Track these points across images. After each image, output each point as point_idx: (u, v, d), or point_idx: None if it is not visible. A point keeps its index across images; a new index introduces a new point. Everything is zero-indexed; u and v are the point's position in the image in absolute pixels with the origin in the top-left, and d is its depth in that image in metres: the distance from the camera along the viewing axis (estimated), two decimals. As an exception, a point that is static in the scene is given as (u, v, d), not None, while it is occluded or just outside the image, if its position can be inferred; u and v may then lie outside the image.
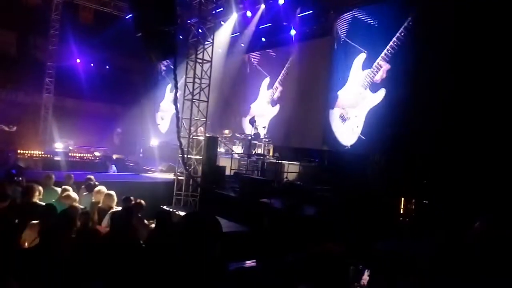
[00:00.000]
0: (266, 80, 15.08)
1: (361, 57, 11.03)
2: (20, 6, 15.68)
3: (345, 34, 11.58)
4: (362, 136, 10.97)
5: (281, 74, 14.35)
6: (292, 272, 2.36)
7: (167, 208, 8.36)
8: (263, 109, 15.02)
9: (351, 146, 11.25)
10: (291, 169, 11.13)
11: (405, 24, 9.72)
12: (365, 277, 2.04)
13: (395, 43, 10.02)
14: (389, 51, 10.19)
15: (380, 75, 10.51)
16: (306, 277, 2.18)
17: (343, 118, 11.56)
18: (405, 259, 2.16)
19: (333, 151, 11.60)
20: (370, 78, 10.76)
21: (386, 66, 10.33)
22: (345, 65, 11.51)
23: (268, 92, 14.96)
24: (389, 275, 2.11)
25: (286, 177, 10.74)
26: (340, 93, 11.73)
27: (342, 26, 11.70)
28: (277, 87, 14.61)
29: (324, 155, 11.91)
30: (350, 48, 11.30)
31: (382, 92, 10.43)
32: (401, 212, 8.27)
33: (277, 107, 14.55)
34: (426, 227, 6.74)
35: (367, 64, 10.88)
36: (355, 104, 11.19)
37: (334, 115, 11.80)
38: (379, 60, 10.47)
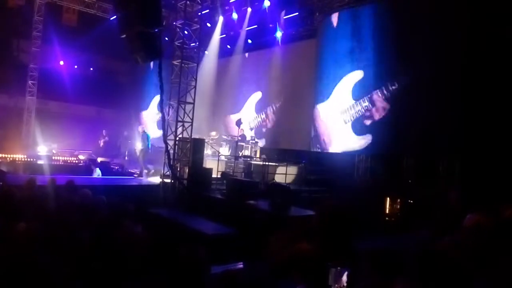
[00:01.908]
0: (257, 95, 14.89)
1: (355, 76, 10.58)
2: (2, 8, 15.38)
3: (331, 37, 11.66)
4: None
5: (267, 78, 14.37)
6: (274, 273, 2.37)
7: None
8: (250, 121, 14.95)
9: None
10: (279, 170, 11.16)
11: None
12: (344, 278, 2.05)
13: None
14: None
15: (371, 120, 10.05)
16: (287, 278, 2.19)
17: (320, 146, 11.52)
18: (389, 257, 2.17)
19: (320, 152, 11.68)
20: (359, 115, 10.33)
21: (384, 105, 9.72)
22: (331, 75, 11.28)
23: (257, 116, 14.83)
24: (371, 274, 2.12)
25: (273, 179, 10.76)
26: (320, 108, 11.56)
27: (327, 28, 11.79)
28: (268, 114, 14.41)
29: (312, 156, 11.97)
30: (337, 55, 11.25)
31: (367, 139, 10.12)
32: (387, 211, 8.38)
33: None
34: (411, 226, 6.82)
35: (359, 90, 10.40)
36: (332, 137, 11.06)
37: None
38: (377, 96, 9.86)
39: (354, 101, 10.47)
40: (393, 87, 9.56)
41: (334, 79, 11.23)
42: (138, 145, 12.33)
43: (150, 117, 18.99)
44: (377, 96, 9.88)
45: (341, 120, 10.83)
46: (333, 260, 2.11)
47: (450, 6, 8.48)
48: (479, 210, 1.88)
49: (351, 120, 10.55)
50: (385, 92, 9.75)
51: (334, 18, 11.55)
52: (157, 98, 18.48)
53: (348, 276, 2.03)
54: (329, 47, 11.67)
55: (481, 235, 1.74)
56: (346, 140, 10.66)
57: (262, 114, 14.53)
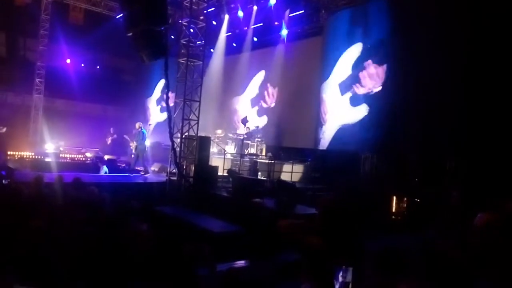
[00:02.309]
0: (261, 74, 14.96)
1: (355, 49, 10.87)
2: (9, 6, 15.48)
3: (335, 33, 11.62)
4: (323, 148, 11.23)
5: (273, 75, 14.35)
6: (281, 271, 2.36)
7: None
8: (249, 111, 15.00)
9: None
10: (285, 169, 11.15)
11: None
12: (349, 277, 2.03)
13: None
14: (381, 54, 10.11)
15: (364, 89, 10.49)
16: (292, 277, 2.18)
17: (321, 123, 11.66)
18: (395, 256, 2.16)
19: (326, 151, 11.65)
20: (355, 86, 10.73)
21: (377, 70, 10.24)
22: (332, 59, 11.54)
23: (257, 96, 14.90)
24: (377, 273, 2.11)
25: (279, 177, 10.76)
26: (324, 86, 11.82)
27: (333, 26, 11.75)
28: (267, 97, 14.52)
29: (317, 155, 11.94)
30: (340, 45, 11.33)
31: (363, 109, 10.47)
32: (393, 210, 8.34)
33: (264, 117, 14.57)
34: (418, 225, 6.79)
35: (357, 63, 10.82)
36: (331, 111, 11.36)
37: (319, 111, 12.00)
38: (370, 62, 10.39)
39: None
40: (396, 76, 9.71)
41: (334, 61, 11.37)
42: (133, 144, 12.17)
43: (153, 104, 19.14)
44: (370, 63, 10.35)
45: (337, 91, 11.16)
46: (337, 259, 2.09)
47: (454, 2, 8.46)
48: (489, 209, 1.85)
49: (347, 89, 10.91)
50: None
51: (340, 15, 11.51)
52: (161, 83, 18.51)
53: (352, 275, 2.01)
54: (334, 44, 11.62)
55: (492, 234, 1.72)
56: (340, 116, 11.08)
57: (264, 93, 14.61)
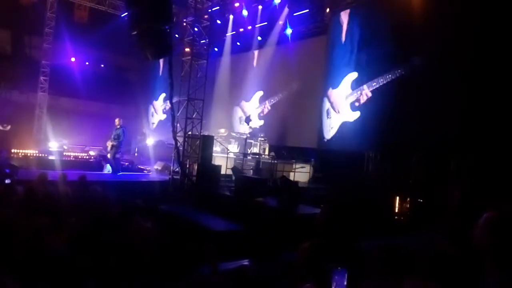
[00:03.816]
0: (259, 93, 14.95)
1: (351, 76, 11.09)
2: (14, 5, 15.56)
3: (341, 33, 11.59)
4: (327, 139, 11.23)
5: (277, 74, 14.34)
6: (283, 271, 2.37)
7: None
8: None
9: (327, 140, 11.60)
10: (287, 168, 11.15)
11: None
12: (345, 278, 2.03)
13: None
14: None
15: (362, 100, 10.71)
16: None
17: (328, 114, 11.67)
18: (398, 257, 2.15)
19: (329, 150, 11.63)
20: (354, 99, 10.94)
21: (368, 91, 10.50)
22: (340, 72, 11.47)
23: (258, 107, 14.93)
24: (380, 274, 2.10)
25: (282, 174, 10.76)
26: (332, 90, 11.84)
27: (337, 25, 11.73)
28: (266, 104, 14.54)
29: (320, 154, 11.94)
30: (347, 52, 11.28)
31: (356, 115, 10.78)
32: (396, 210, 8.32)
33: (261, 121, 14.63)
34: (421, 226, 6.77)
35: (354, 84, 11.02)
36: (338, 108, 11.44)
37: (324, 106, 11.92)
38: (365, 87, 10.59)
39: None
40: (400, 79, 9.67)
41: (343, 76, 11.20)
42: (110, 142, 10.95)
43: (158, 107, 19.25)
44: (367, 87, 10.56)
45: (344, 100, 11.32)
46: (336, 260, 2.09)
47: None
48: (494, 208, 1.84)
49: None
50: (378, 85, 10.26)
51: (344, 15, 11.48)
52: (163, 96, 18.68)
53: (348, 276, 2.01)
54: (339, 44, 11.61)
55: (495, 234, 1.71)
56: (342, 114, 11.32)
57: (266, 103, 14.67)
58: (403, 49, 9.49)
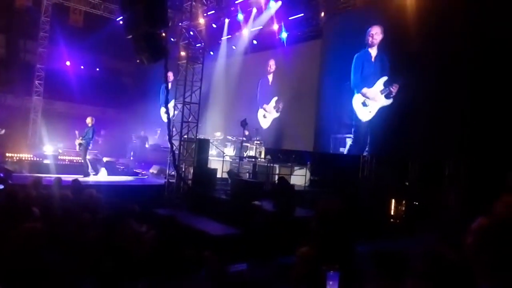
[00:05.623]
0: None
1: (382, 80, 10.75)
2: (9, 9, 15.52)
3: (335, 36, 11.63)
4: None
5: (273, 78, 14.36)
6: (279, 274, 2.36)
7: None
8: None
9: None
10: (283, 171, 11.15)
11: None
12: (337, 281, 2.03)
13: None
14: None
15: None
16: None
17: (364, 104, 11.44)
18: (393, 259, 2.16)
19: (325, 154, 11.63)
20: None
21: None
22: (336, 76, 11.34)
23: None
24: (375, 277, 2.11)
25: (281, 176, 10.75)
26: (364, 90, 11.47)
27: (333, 29, 11.77)
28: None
29: (316, 158, 11.94)
30: (343, 56, 11.19)
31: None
32: (391, 213, 8.35)
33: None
34: (416, 228, 6.79)
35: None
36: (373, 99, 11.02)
37: (356, 100, 11.63)
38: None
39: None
40: (397, 87, 9.57)
41: (339, 80, 11.20)
42: (79, 140, 10.83)
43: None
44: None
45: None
46: (330, 263, 2.09)
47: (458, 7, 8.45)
48: (487, 212, 1.85)
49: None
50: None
51: (340, 18, 11.53)
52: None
53: (341, 279, 2.01)
54: (334, 47, 11.64)
55: (490, 238, 1.72)
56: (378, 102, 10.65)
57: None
58: (401, 52, 9.52)
